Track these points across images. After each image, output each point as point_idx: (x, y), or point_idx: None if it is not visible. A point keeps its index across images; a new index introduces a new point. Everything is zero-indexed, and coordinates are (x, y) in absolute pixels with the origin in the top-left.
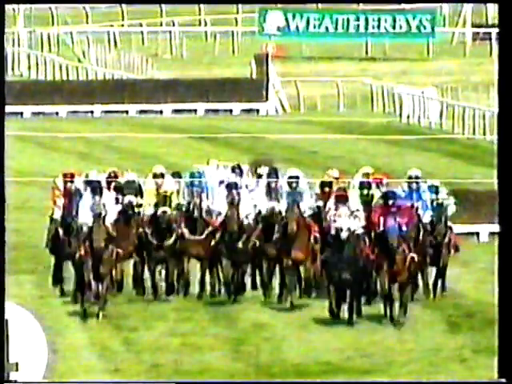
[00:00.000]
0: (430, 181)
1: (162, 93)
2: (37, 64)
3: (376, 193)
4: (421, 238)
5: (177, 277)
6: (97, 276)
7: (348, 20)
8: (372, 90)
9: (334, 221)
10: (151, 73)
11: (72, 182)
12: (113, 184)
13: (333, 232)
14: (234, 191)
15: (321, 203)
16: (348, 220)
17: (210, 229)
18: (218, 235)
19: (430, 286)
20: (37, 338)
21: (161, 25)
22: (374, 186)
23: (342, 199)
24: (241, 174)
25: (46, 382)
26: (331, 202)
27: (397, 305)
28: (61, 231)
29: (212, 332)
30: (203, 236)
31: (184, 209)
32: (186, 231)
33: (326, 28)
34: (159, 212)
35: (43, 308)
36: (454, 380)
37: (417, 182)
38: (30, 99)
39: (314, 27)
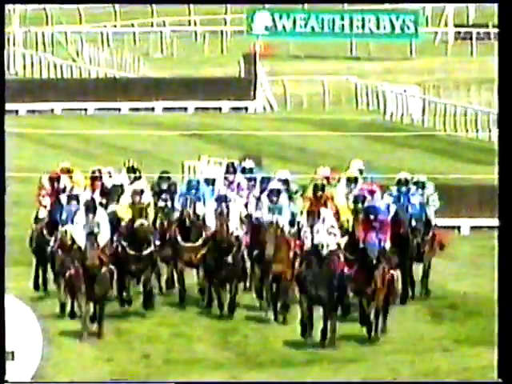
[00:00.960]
0: (416, 176)
1: (153, 91)
2: (32, 63)
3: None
4: (409, 247)
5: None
6: (90, 296)
7: (333, 20)
8: (357, 88)
9: (312, 237)
10: (143, 71)
11: (58, 181)
12: (99, 186)
13: (307, 247)
14: (224, 204)
15: (303, 218)
16: (326, 236)
17: (204, 236)
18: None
19: (417, 286)
20: (32, 328)
21: (152, 25)
22: (368, 198)
23: (314, 213)
24: (234, 172)
25: (46, 382)
26: (303, 218)
27: (373, 323)
28: (45, 231)
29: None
30: (197, 243)
31: (177, 217)
32: (179, 238)
33: (312, 28)
34: (136, 224)
35: (37, 299)
36: (454, 380)
37: (406, 185)
38: (25, 97)
39: (301, 27)
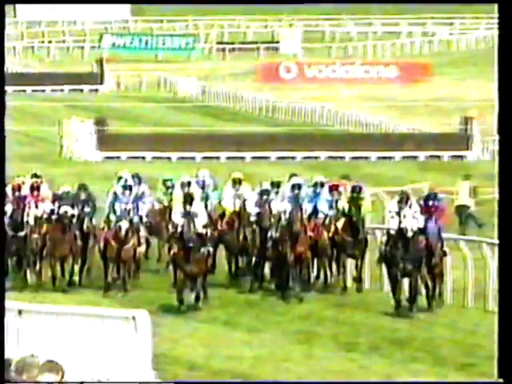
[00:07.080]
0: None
1: (46, 81)
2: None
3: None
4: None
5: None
6: (191, 276)
7: (147, 40)
8: (160, 77)
9: (400, 221)
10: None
11: (20, 190)
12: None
13: (394, 230)
14: (265, 197)
15: (392, 203)
16: (412, 220)
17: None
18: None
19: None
20: None
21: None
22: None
23: (403, 199)
24: (139, 182)
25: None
26: (393, 203)
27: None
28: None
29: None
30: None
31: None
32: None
33: (135, 46)
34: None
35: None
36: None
37: (316, 187)
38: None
39: (131, 43)
